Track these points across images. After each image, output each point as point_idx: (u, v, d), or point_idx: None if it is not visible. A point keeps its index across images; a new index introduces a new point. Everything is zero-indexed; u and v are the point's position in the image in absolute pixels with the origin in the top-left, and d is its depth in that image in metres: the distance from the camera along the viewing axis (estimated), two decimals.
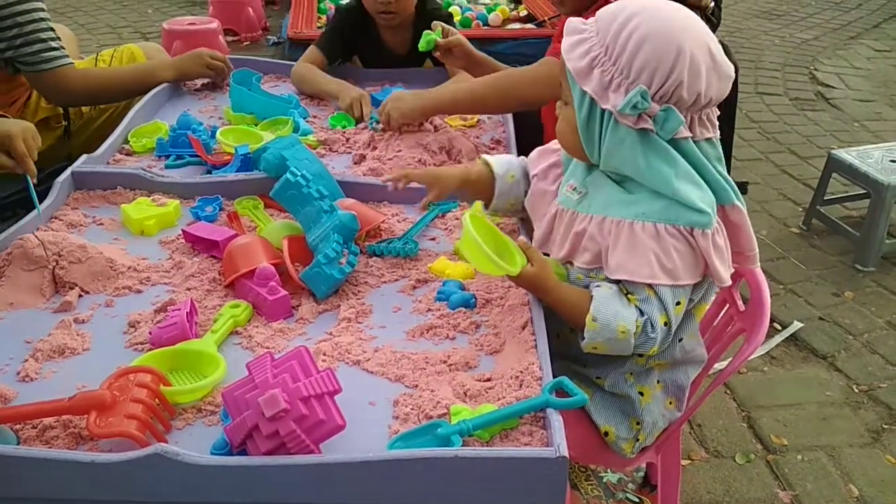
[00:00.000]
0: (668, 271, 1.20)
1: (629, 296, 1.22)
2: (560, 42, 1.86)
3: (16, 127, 1.60)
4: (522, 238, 1.34)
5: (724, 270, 1.23)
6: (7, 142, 1.57)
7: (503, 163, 1.50)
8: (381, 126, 2.02)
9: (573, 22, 1.24)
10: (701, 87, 1.16)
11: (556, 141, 1.44)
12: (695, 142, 1.21)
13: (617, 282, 1.24)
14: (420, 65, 2.60)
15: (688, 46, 1.15)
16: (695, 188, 1.19)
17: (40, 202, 1.56)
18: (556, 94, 1.93)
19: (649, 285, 1.21)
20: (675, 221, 1.19)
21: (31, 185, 1.55)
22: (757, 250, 1.31)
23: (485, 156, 1.52)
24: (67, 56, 2.24)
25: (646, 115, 1.16)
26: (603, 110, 1.19)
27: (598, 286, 1.24)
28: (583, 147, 1.26)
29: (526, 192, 1.48)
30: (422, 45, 2.14)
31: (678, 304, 1.23)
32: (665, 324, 1.23)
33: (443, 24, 2.20)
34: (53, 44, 2.19)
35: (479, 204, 1.35)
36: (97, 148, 1.86)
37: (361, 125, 2.15)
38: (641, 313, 1.21)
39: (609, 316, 1.20)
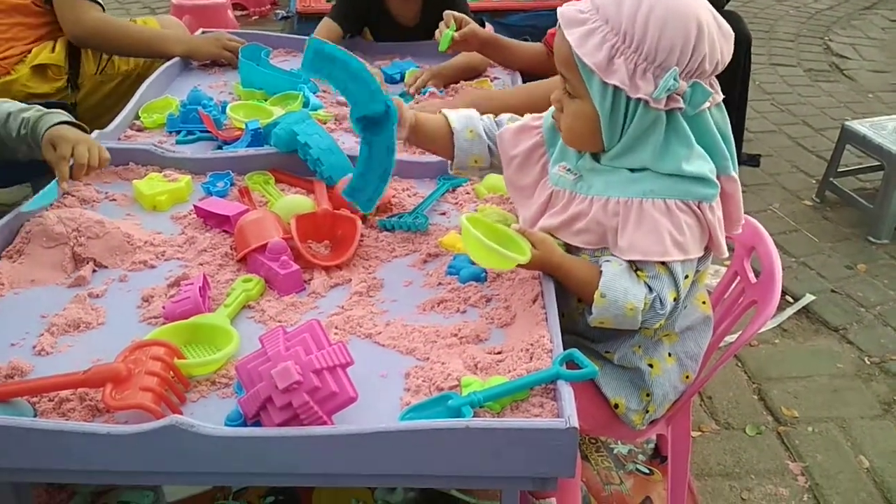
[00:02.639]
0: (679, 246, 1.20)
1: (639, 272, 1.23)
2: None
3: (72, 133, 1.56)
4: (514, 224, 1.33)
5: (724, 242, 1.26)
6: (57, 141, 1.54)
7: (461, 117, 1.47)
8: None
9: (568, 12, 1.20)
10: (718, 56, 1.18)
11: (532, 117, 1.43)
12: (708, 110, 1.21)
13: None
14: (430, 37, 2.59)
15: (702, 18, 1.15)
16: (704, 162, 1.20)
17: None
18: None
19: (661, 262, 1.21)
20: (684, 196, 1.20)
21: (55, 193, 1.52)
22: (743, 218, 1.32)
23: (445, 110, 1.49)
24: (100, 2, 2.38)
25: (675, 95, 1.16)
26: (628, 100, 1.18)
27: (607, 261, 1.24)
28: (600, 139, 1.24)
29: (490, 151, 1.46)
30: (442, 47, 2.14)
31: (686, 277, 1.24)
32: (675, 299, 1.23)
33: (454, 13, 2.19)
34: None
35: (475, 215, 1.34)
36: (103, 118, 1.87)
37: None
38: (650, 290, 1.21)
39: (618, 293, 1.20)
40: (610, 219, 1.23)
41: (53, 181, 1.54)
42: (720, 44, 1.18)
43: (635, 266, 1.23)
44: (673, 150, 1.20)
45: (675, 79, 1.14)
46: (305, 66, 1.36)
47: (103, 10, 2.41)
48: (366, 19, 2.57)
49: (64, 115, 1.62)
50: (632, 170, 1.24)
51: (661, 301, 1.22)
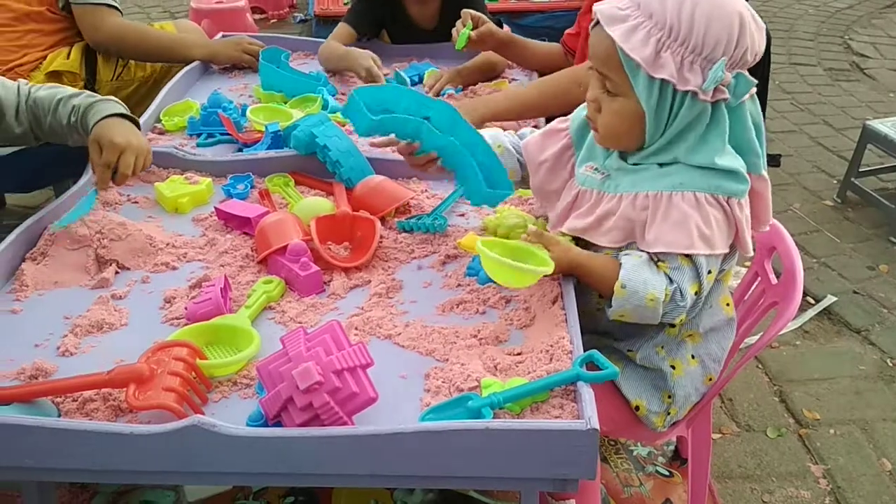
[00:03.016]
0: (706, 239, 1.20)
1: (660, 263, 1.22)
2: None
3: (121, 137, 1.49)
4: (531, 227, 1.33)
5: (750, 240, 1.26)
6: (105, 144, 1.48)
7: (487, 136, 1.49)
8: None
9: (607, 10, 1.20)
10: (756, 47, 1.19)
11: (557, 121, 1.43)
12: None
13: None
14: (447, 39, 2.59)
15: (742, 10, 1.17)
16: (734, 158, 1.21)
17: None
18: None
19: (686, 255, 1.20)
20: (714, 191, 1.20)
21: (92, 200, 1.50)
22: (771, 219, 1.33)
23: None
24: (117, 4, 2.39)
25: (721, 86, 1.17)
26: (675, 93, 1.18)
27: (626, 254, 1.24)
28: (639, 136, 1.24)
29: (520, 164, 1.49)
30: (458, 45, 2.15)
31: (709, 272, 1.23)
32: (696, 293, 1.22)
33: (472, 12, 2.19)
34: None
35: (488, 239, 1.33)
36: None
37: None
38: (671, 281, 1.21)
39: (638, 283, 1.20)
40: (639, 213, 1.23)
41: (92, 192, 1.52)
42: (757, 35, 1.19)
43: (657, 258, 1.23)
44: (710, 143, 1.20)
45: (722, 70, 1.15)
46: (361, 130, 1.43)
47: (121, 14, 2.43)
48: (382, 22, 2.58)
49: (115, 105, 1.57)
50: (661, 164, 1.24)
51: (681, 293, 1.21)
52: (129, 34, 2.42)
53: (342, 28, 2.46)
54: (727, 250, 1.24)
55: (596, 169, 1.31)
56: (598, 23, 1.21)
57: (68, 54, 2.41)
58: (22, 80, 1.65)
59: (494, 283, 1.31)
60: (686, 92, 1.17)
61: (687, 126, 1.21)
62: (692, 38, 1.14)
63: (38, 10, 2.35)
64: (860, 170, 3.17)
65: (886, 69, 4.60)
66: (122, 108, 1.57)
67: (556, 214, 1.37)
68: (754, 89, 1.23)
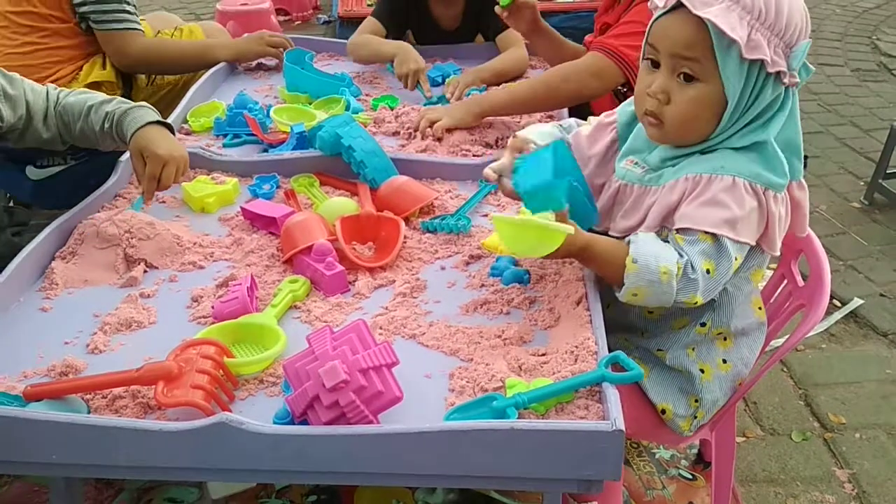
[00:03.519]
0: (731, 223, 1.18)
1: (677, 236, 1.20)
2: (615, 37, 1.85)
3: (164, 149, 1.51)
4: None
5: (779, 240, 1.24)
6: (150, 156, 1.50)
7: (543, 134, 1.45)
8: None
9: None
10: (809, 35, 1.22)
11: (604, 115, 1.42)
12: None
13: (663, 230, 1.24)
14: (471, 40, 2.60)
15: None
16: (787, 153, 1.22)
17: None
18: (607, 87, 1.91)
19: (706, 232, 1.18)
20: (752, 179, 1.19)
21: (139, 206, 1.52)
22: (808, 228, 1.32)
23: (520, 133, 1.45)
24: (138, 24, 2.38)
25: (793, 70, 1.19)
26: (758, 77, 1.18)
27: (635, 233, 1.23)
28: (713, 124, 1.22)
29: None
30: (503, 2, 2.12)
31: (735, 259, 1.20)
32: (708, 270, 1.19)
33: None
34: (129, 8, 2.33)
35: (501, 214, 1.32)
36: None
37: (405, 104, 2.15)
38: (681, 255, 1.18)
39: (649, 257, 1.17)
40: (675, 196, 1.22)
41: (138, 202, 1.55)
42: None
43: (677, 232, 1.21)
44: (773, 126, 1.21)
45: (806, 51, 1.17)
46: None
47: (143, 34, 2.42)
48: (408, 22, 2.59)
49: (150, 112, 1.58)
50: (703, 153, 1.24)
51: (692, 266, 1.18)
52: (154, 54, 2.43)
53: (371, 23, 2.46)
54: (753, 241, 1.23)
55: (636, 163, 1.30)
56: (674, 8, 1.19)
57: (104, 63, 2.43)
58: (51, 85, 1.67)
59: (516, 264, 1.30)
60: (769, 76, 1.18)
61: (762, 111, 1.21)
62: (779, 21, 1.16)
63: (68, 26, 2.34)
64: (888, 171, 3.13)
65: None
66: (156, 115, 1.59)
67: (600, 208, 1.36)
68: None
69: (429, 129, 1.90)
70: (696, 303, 1.21)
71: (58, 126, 1.62)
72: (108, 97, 1.64)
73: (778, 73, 1.17)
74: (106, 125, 1.58)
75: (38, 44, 2.32)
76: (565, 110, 1.97)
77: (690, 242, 1.19)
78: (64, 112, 1.62)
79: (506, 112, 1.98)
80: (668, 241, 1.21)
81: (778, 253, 1.25)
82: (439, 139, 1.89)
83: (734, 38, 1.14)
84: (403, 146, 1.90)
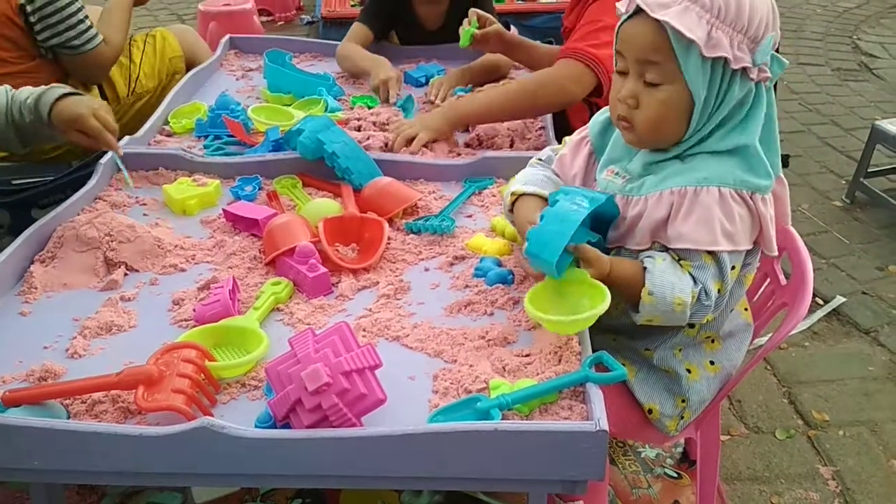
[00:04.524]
0: (728, 236, 1.19)
1: (682, 262, 1.21)
2: (580, 40, 1.85)
3: (83, 107, 1.54)
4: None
5: (774, 238, 1.24)
6: (79, 122, 1.53)
7: (541, 180, 1.40)
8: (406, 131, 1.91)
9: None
10: (778, 28, 1.21)
11: (577, 132, 1.41)
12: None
13: (667, 249, 1.23)
14: (453, 40, 2.59)
15: None
16: (764, 151, 1.21)
17: (77, 189, 1.58)
18: (585, 90, 1.91)
19: (709, 252, 1.20)
20: (738, 186, 1.19)
21: (119, 159, 1.54)
22: (790, 218, 1.32)
23: (515, 188, 1.38)
24: (99, 34, 2.35)
25: (763, 65, 1.18)
26: (723, 74, 1.18)
27: (650, 257, 1.22)
28: (684, 125, 1.22)
29: None
30: (462, 42, 2.14)
31: (733, 268, 1.22)
32: (718, 290, 1.21)
33: (479, 11, 2.19)
34: (89, 22, 2.30)
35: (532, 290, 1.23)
36: (136, 131, 1.89)
37: (384, 105, 2.14)
38: (696, 282, 1.20)
39: (665, 289, 1.19)
40: (663, 210, 1.21)
41: (114, 159, 1.58)
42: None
43: (678, 256, 1.22)
44: (752, 125, 1.21)
45: (771, 45, 1.16)
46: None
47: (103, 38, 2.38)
48: (393, 22, 2.58)
49: (55, 90, 1.59)
50: (683, 160, 1.24)
51: (706, 292, 1.20)
52: (116, 54, 2.44)
53: (358, 28, 2.45)
54: (750, 246, 1.23)
55: (617, 173, 1.29)
56: (635, 13, 1.19)
57: (84, 85, 2.42)
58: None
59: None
60: (735, 73, 1.17)
61: (733, 109, 1.20)
62: (741, 17, 1.15)
63: (34, 64, 2.27)
64: (869, 170, 3.16)
65: (895, 69, 4.58)
66: (64, 89, 1.60)
67: None
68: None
69: (405, 148, 1.85)
70: (707, 320, 1.25)
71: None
72: (14, 89, 1.63)
73: (745, 69, 1.17)
74: (28, 117, 1.59)
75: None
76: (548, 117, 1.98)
77: (699, 268, 1.20)
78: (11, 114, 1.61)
79: (483, 120, 1.96)
80: (678, 262, 1.21)
81: (776, 253, 1.25)
82: (414, 153, 1.84)
83: (692, 39, 1.14)
84: (384, 148, 1.88)
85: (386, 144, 1.87)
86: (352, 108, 2.10)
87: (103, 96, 2.48)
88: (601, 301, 1.13)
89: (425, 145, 1.85)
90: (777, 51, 1.26)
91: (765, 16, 1.17)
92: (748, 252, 1.25)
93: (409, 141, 1.86)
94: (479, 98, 2.00)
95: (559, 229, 1.16)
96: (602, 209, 1.23)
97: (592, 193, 1.23)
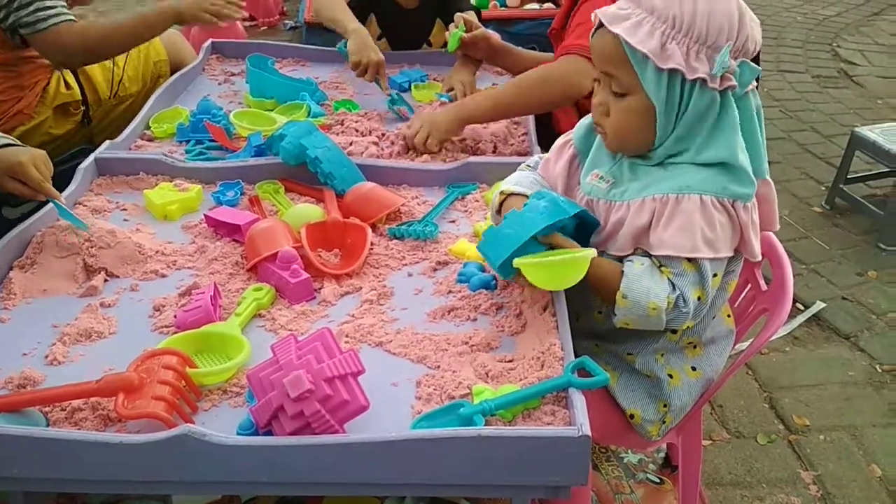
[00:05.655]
0: (709, 243, 1.20)
1: (663, 268, 1.22)
2: (577, 38, 1.86)
3: (24, 155, 1.47)
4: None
5: (757, 245, 1.25)
6: (18, 170, 1.46)
7: (530, 182, 1.41)
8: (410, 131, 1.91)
9: (608, 11, 1.21)
10: (756, 36, 1.21)
11: (565, 135, 1.42)
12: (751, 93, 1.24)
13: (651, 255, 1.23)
14: (431, 20, 2.59)
15: (739, 1, 1.19)
16: (746, 156, 1.21)
17: (62, 188, 1.55)
18: (591, 84, 1.91)
19: (689, 259, 1.20)
20: (719, 193, 1.20)
21: (62, 206, 1.47)
22: (778, 220, 1.33)
23: (504, 187, 1.39)
24: (67, 14, 2.24)
25: (727, 74, 1.18)
26: (683, 84, 1.18)
27: (630, 261, 1.23)
28: (650, 133, 1.23)
29: None
30: (450, 46, 2.15)
31: (714, 275, 1.23)
32: (699, 298, 1.22)
33: (465, 16, 2.20)
34: (49, 2, 2.19)
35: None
36: (118, 135, 1.87)
37: (366, 111, 2.13)
38: (674, 288, 1.20)
39: (639, 294, 1.20)
40: (644, 217, 1.22)
41: (57, 206, 1.49)
42: (754, 27, 1.21)
43: (659, 262, 1.22)
44: (724, 133, 1.20)
45: (728, 55, 1.16)
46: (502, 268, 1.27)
47: (74, 18, 2.28)
48: (371, 4, 2.57)
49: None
50: (667, 166, 1.24)
51: (684, 299, 1.21)
52: (89, 39, 2.27)
53: None
54: (731, 254, 1.24)
55: (601, 177, 1.30)
56: (600, 26, 1.22)
57: (66, 83, 2.39)
58: None
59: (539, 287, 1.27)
60: (695, 82, 1.18)
61: (698, 118, 1.21)
62: (695, 27, 1.16)
63: (3, 56, 2.25)
64: (848, 176, 3.19)
65: (874, 76, 4.63)
66: (5, 139, 1.52)
67: None
68: (755, 84, 1.24)
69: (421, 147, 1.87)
70: (687, 327, 1.26)
71: None
72: None
73: (703, 79, 1.17)
74: None
75: None
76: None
77: (678, 275, 1.21)
78: None
79: (489, 118, 1.96)
80: (659, 268, 1.22)
81: (759, 258, 1.26)
82: (430, 153, 1.86)
83: (641, 51, 1.16)
84: (371, 152, 1.88)
85: (408, 150, 1.88)
86: (335, 112, 2.10)
87: (84, 98, 2.45)
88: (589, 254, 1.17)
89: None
90: (757, 58, 1.27)
91: (725, 24, 1.16)
92: (731, 259, 1.26)
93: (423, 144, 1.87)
94: (486, 96, 1.99)
95: (514, 233, 1.21)
96: (584, 217, 1.25)
97: (567, 205, 1.24)
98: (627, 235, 1.24)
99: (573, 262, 1.18)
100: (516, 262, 1.21)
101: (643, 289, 1.20)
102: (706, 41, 1.16)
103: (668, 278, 1.21)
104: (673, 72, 1.17)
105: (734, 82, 1.18)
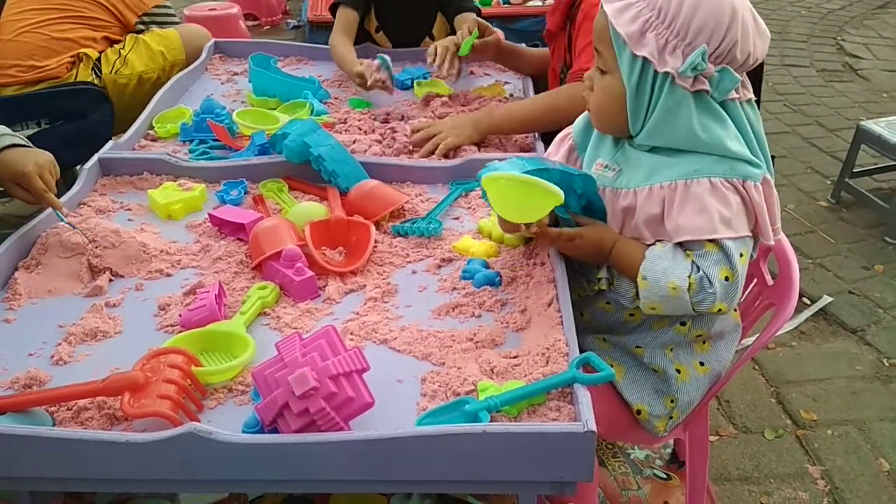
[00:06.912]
0: (727, 222, 1.19)
1: (687, 252, 1.22)
2: (587, 62, 1.85)
3: (31, 164, 1.45)
4: (534, 226, 1.28)
5: (770, 228, 1.25)
6: (23, 179, 1.44)
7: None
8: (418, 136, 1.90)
9: None
10: (750, 47, 1.19)
11: (567, 128, 1.43)
12: (739, 103, 1.23)
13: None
14: (431, 10, 2.58)
15: (738, 6, 1.18)
16: (742, 147, 1.21)
17: (66, 188, 1.55)
18: None
19: (711, 240, 1.20)
20: (728, 175, 1.20)
21: (63, 217, 1.46)
22: (780, 224, 1.31)
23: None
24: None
25: (702, 77, 1.17)
26: (655, 75, 1.19)
27: (653, 244, 1.24)
28: (626, 117, 1.24)
29: None
30: (462, 51, 2.15)
31: (741, 255, 1.22)
32: (726, 278, 1.20)
33: (480, 21, 2.21)
34: None
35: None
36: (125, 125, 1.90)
37: (372, 111, 2.13)
38: (697, 269, 1.20)
39: (658, 274, 1.20)
40: (655, 205, 1.22)
41: (59, 217, 1.48)
42: (754, 38, 1.19)
43: (685, 247, 1.22)
44: (711, 130, 1.20)
45: (703, 58, 1.15)
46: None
47: None
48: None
49: (9, 136, 1.50)
50: (669, 154, 1.24)
51: (709, 280, 1.19)
52: None
53: (342, 14, 2.42)
54: (749, 233, 1.24)
55: (606, 166, 1.31)
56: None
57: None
58: None
59: (508, 219, 1.29)
60: (665, 76, 1.18)
61: (669, 113, 1.20)
62: (678, 21, 1.16)
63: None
64: (854, 170, 3.18)
65: (879, 70, 4.62)
66: (13, 139, 1.51)
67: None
68: (749, 94, 1.24)
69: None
70: (720, 310, 1.22)
71: None
72: None
73: (672, 75, 1.17)
74: None
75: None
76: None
77: (701, 256, 1.21)
78: None
79: (511, 131, 1.95)
80: (685, 252, 1.22)
81: (773, 241, 1.25)
82: (444, 156, 1.85)
83: (620, 34, 1.17)
84: (376, 149, 1.88)
85: (411, 148, 1.88)
86: (353, 110, 2.10)
87: (97, 62, 2.60)
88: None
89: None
90: (758, 70, 1.26)
91: (709, 25, 1.15)
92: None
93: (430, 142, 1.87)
94: (512, 110, 1.96)
95: (507, 167, 1.25)
96: (587, 191, 1.28)
97: (568, 170, 1.27)
98: (641, 225, 1.25)
99: (541, 191, 1.18)
100: (486, 176, 1.21)
101: (661, 269, 1.20)
102: (685, 38, 1.16)
103: (692, 260, 1.20)
104: (647, 61, 1.18)
105: (707, 87, 1.18)
